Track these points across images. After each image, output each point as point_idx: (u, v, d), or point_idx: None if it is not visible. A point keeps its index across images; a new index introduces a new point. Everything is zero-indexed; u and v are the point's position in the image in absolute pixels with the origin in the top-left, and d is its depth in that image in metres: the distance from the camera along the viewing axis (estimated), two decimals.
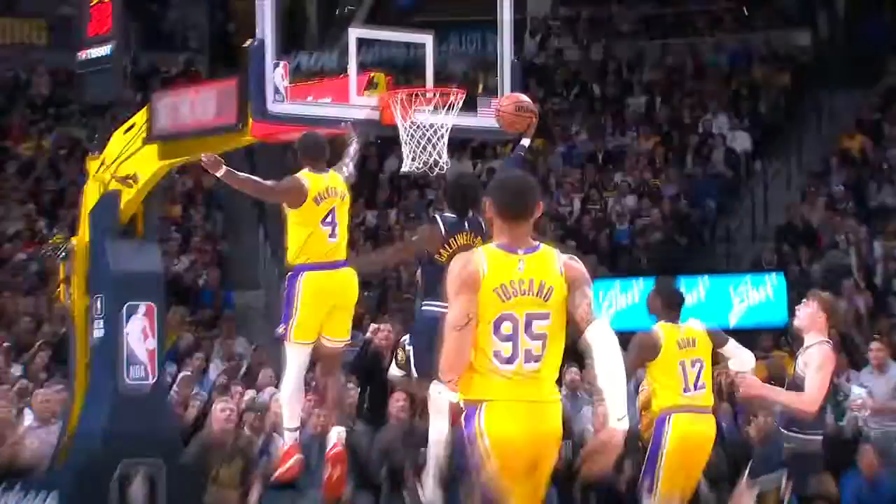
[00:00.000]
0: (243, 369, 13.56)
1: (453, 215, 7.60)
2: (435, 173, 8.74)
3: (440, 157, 8.65)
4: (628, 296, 16.25)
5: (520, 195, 4.92)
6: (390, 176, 20.01)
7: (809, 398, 7.37)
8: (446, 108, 8.69)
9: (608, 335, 4.85)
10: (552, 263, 4.90)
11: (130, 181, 10.17)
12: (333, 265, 8.03)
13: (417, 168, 8.66)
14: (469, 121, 9.05)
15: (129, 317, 9.99)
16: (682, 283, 16.40)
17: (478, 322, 4.83)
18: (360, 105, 8.92)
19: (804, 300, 7.76)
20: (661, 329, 7.90)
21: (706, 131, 20.72)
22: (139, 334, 10.01)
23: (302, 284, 7.95)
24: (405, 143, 8.67)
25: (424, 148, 8.64)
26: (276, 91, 8.70)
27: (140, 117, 10.23)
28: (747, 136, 20.42)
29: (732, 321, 15.99)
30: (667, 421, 7.75)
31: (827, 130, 20.31)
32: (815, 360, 7.45)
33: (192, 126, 9.66)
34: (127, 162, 10.22)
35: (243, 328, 15.91)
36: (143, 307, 10.03)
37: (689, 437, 7.76)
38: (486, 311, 4.82)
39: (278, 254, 8.29)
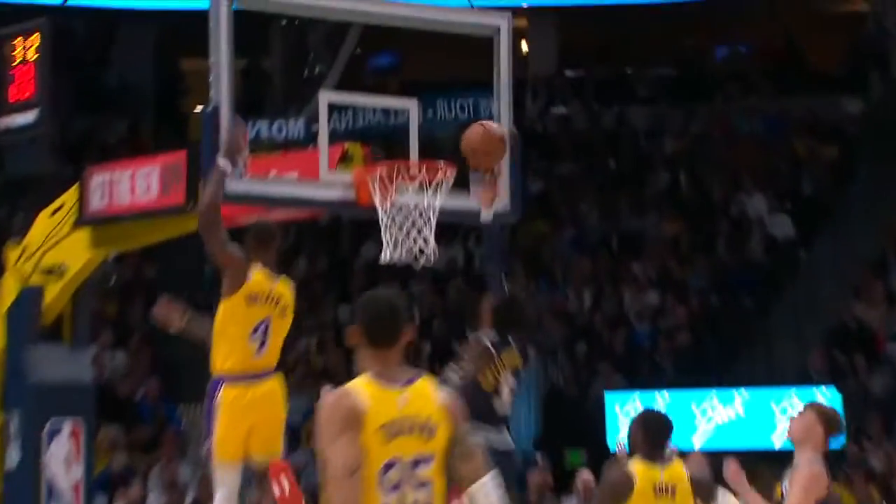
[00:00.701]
0: (189, 501, 13.37)
1: (495, 334, 8.09)
2: (421, 263, 8.70)
3: (426, 244, 8.63)
4: None
5: (387, 317, 5.07)
6: (366, 265, 19.94)
7: None
8: (434, 186, 8.68)
9: (494, 494, 5.07)
10: (433, 395, 5.07)
11: (57, 273, 10.11)
12: (257, 376, 8.34)
13: (400, 257, 8.64)
14: (461, 201, 9.02)
15: (51, 438, 9.87)
16: (715, 397, 16.38)
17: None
18: (331, 182, 8.89)
19: (799, 410, 7.73)
20: (637, 468, 7.78)
21: (740, 213, 20.73)
22: (63, 459, 9.90)
23: (220, 397, 8.30)
24: (385, 228, 8.66)
25: (408, 233, 8.62)
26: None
27: (70, 196, 10.21)
28: (789, 220, 20.43)
29: (777, 443, 15.85)
30: None
31: (883, 213, 20.33)
32: (800, 478, 7.38)
33: (132, 207, 9.64)
34: (53, 250, 10.18)
35: (189, 450, 15.71)
36: (68, 426, 9.93)
37: None
38: (371, 456, 4.89)
39: None
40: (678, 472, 7.82)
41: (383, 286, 19.69)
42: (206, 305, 19.19)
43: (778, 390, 16.37)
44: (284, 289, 8.51)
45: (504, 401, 8.59)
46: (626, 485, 7.69)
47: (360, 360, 5.08)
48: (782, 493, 7.52)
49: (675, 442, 8.08)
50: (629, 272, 20.04)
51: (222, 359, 8.34)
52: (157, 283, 19.12)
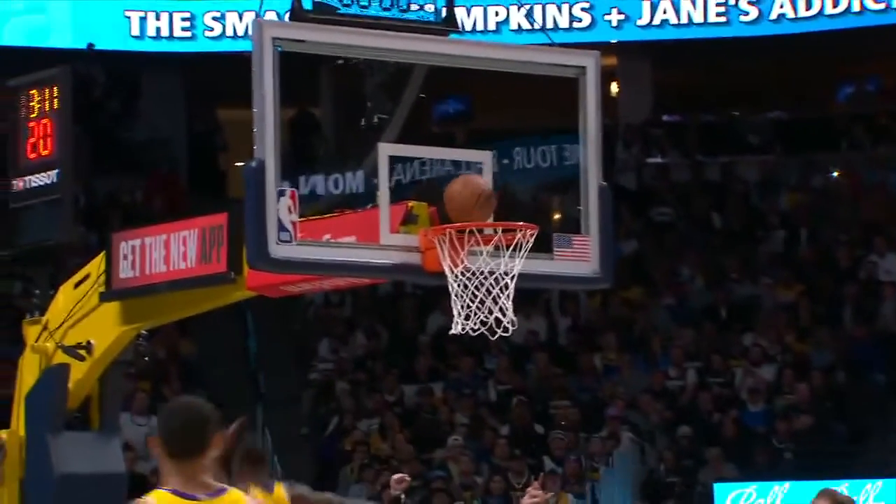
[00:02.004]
0: None
1: None
2: (497, 336, 8.78)
3: (503, 315, 8.70)
4: None
5: (190, 428, 5.38)
6: (435, 339, 20.06)
7: None
8: (511, 248, 8.78)
9: None
10: None
11: (83, 352, 10.24)
12: None
13: (472, 329, 8.72)
14: (541, 265, 9.11)
15: None
16: (844, 488, 16.28)
17: None
18: (393, 245, 9.00)
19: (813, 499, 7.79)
20: None
21: (870, 277, 20.68)
22: None
23: None
24: (456, 296, 8.73)
25: (482, 302, 8.70)
26: (282, 228, 8.79)
27: (96, 266, 10.34)
28: None
29: None
30: None
31: None
32: None
33: (166, 276, 9.76)
34: (78, 326, 10.29)
35: None
36: None
37: None
38: None
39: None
40: None
41: (453, 362, 19.80)
42: (250, 384, 19.32)
43: None
44: (278, 494, 9.07)
45: None
46: None
47: (162, 472, 5.39)
48: None
49: None
50: (740, 345, 20.03)
51: None
52: (196, 361, 19.35)
